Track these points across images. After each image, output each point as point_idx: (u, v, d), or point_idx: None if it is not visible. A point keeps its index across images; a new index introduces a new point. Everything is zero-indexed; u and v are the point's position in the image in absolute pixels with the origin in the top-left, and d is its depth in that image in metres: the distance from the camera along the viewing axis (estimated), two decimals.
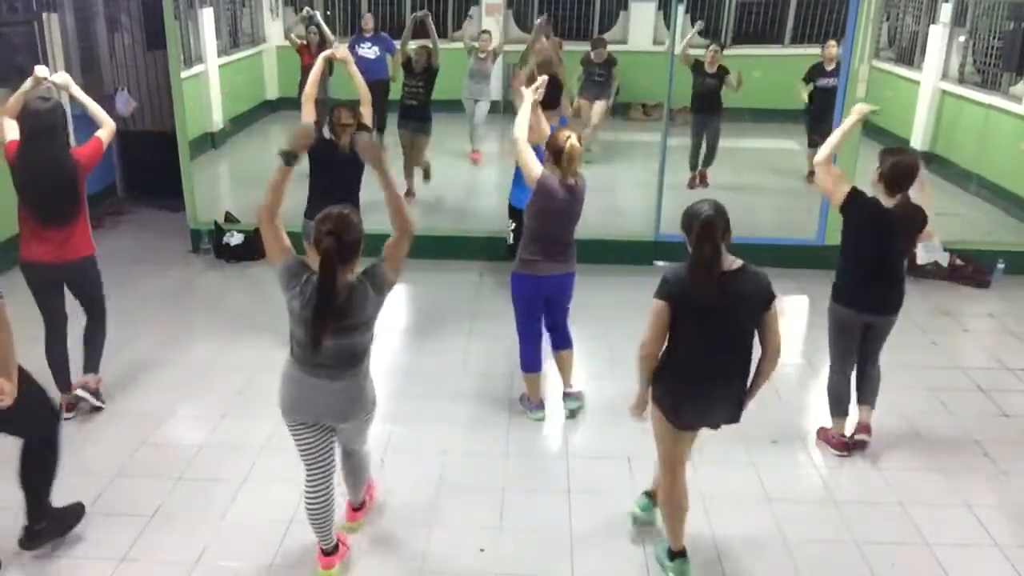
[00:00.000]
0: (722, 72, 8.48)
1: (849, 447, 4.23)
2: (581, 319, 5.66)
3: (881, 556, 3.53)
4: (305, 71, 8.55)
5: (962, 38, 9.37)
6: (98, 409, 4.49)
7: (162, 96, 8.19)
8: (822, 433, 4.34)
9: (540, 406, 4.59)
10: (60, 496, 3.52)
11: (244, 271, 6.72)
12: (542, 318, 4.49)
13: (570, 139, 4.08)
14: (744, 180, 8.79)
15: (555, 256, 4.29)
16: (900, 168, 3.86)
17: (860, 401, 4.28)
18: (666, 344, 3.14)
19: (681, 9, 8.63)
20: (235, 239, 6.92)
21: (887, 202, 3.88)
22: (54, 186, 4.14)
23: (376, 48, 8.90)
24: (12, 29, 5.86)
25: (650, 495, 3.66)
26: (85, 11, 8.04)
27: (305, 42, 8.75)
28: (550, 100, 5.42)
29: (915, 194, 3.97)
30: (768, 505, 3.83)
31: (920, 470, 4.16)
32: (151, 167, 7.91)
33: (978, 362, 5.32)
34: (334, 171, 4.79)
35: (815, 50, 11.47)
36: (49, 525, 3.42)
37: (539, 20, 7.97)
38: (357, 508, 3.62)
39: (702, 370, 3.10)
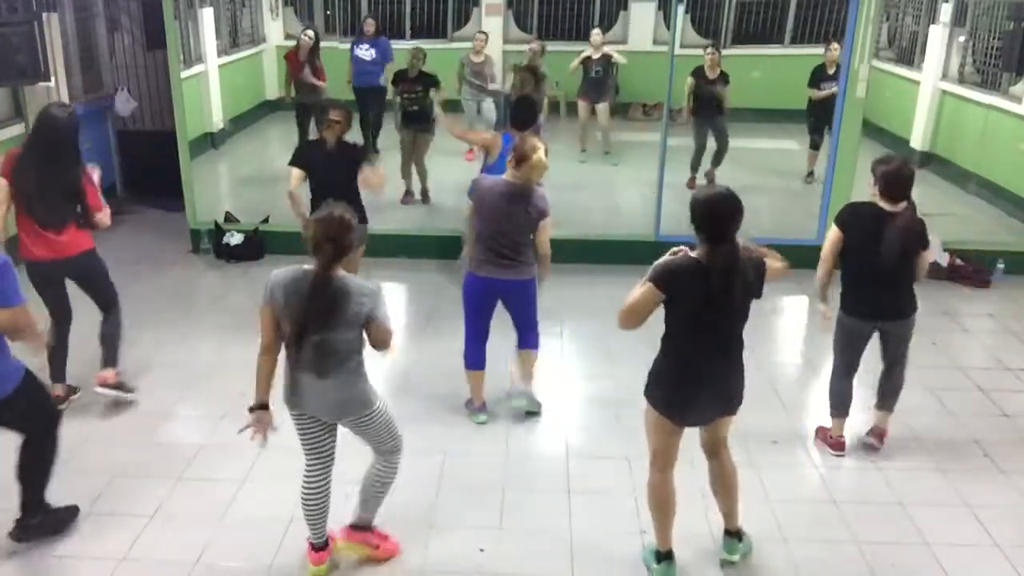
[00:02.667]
0: (724, 78, 8.44)
1: (844, 447, 4.24)
2: (580, 318, 5.67)
3: (881, 556, 3.53)
4: (294, 79, 8.54)
5: (962, 38, 9.37)
6: (126, 402, 4.58)
7: (162, 96, 8.18)
8: (820, 433, 4.34)
9: (482, 408, 4.55)
10: (62, 496, 3.52)
11: (244, 271, 6.71)
12: (487, 317, 4.44)
13: (538, 152, 4.10)
14: (744, 180, 8.77)
15: (496, 260, 4.24)
16: (892, 177, 3.87)
17: (879, 406, 4.27)
18: (665, 338, 3.17)
19: (681, 9, 8.62)
20: (235, 239, 6.92)
21: (887, 207, 3.89)
22: (60, 191, 4.20)
23: (373, 51, 8.87)
24: (12, 29, 5.84)
25: (731, 532, 3.49)
26: (85, 11, 8.04)
27: (296, 47, 8.57)
28: (523, 121, 5.39)
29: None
30: (768, 505, 3.83)
31: (920, 470, 4.16)
32: (151, 167, 7.90)
33: (978, 362, 5.32)
34: (326, 170, 4.96)
35: (815, 50, 11.50)
36: (43, 520, 3.44)
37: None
38: (357, 528, 3.42)
39: (701, 367, 3.13)
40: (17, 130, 6.51)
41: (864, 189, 6.83)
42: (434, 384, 4.87)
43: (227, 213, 7.28)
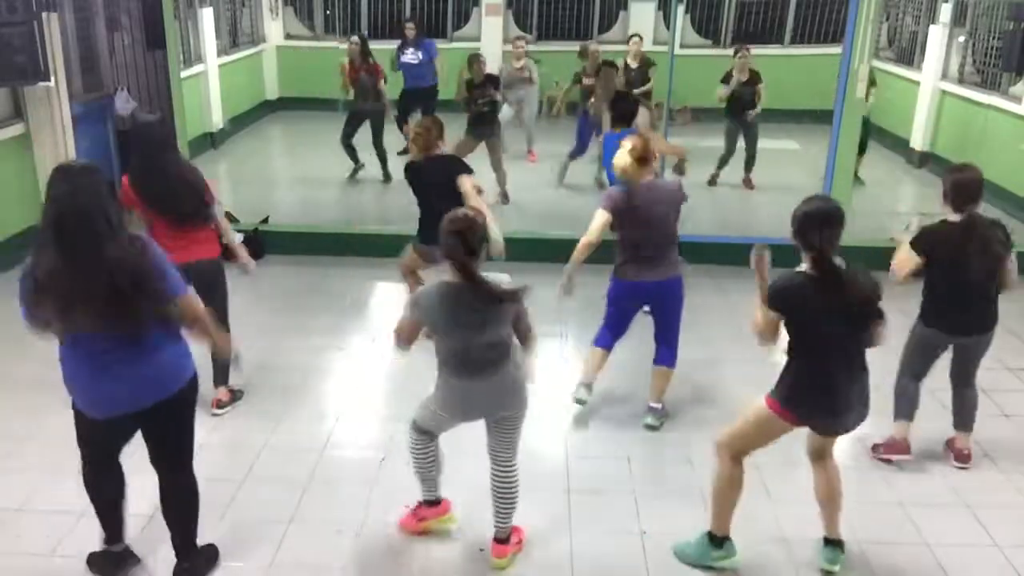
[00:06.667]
0: (754, 79, 8.45)
1: (910, 450, 4.20)
2: (582, 320, 5.65)
3: (882, 556, 3.53)
4: (353, 83, 8.61)
5: (962, 38, 9.37)
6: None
7: (162, 96, 8.18)
8: (882, 448, 4.24)
9: (583, 386, 4.55)
10: (59, 494, 3.52)
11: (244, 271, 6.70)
12: (628, 319, 4.54)
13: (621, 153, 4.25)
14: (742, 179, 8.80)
15: (643, 262, 4.33)
16: (961, 184, 3.85)
17: (956, 426, 4.24)
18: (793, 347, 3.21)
19: (681, 9, 8.61)
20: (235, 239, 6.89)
21: (954, 219, 3.86)
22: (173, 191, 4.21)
23: (420, 53, 9.05)
24: (12, 29, 5.84)
25: (832, 542, 3.45)
26: (85, 11, 8.03)
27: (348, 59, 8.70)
28: (623, 116, 5.59)
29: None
30: (769, 505, 3.83)
31: (920, 470, 4.15)
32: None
33: None
34: (423, 189, 5.00)
35: (815, 50, 11.52)
36: (200, 563, 3.32)
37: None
38: (501, 540, 3.47)
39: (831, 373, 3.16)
40: (17, 130, 6.51)
41: (865, 190, 6.86)
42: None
43: (227, 213, 7.26)
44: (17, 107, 6.56)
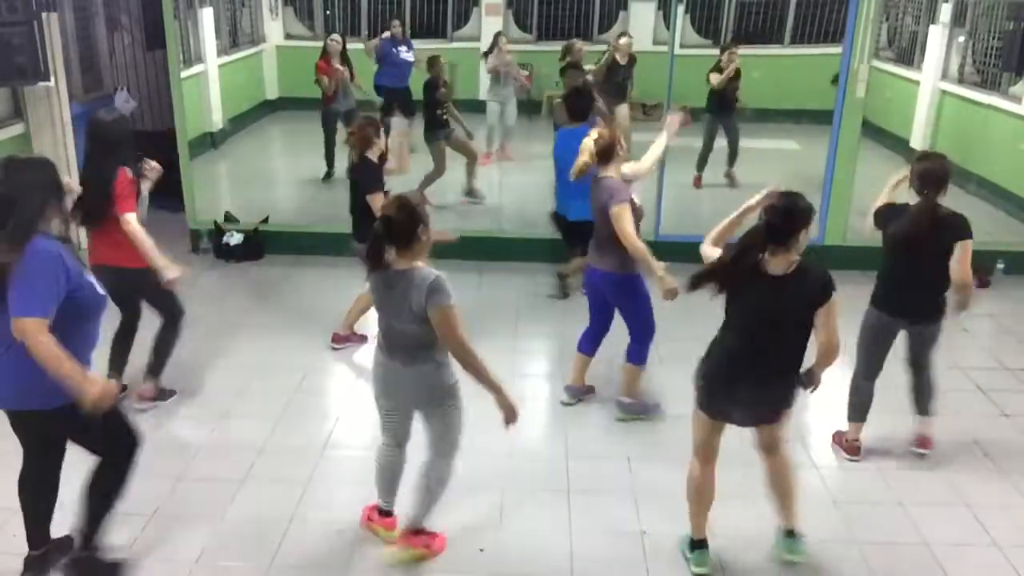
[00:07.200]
0: (737, 75, 8.51)
1: (860, 452, 4.22)
2: (581, 320, 5.66)
3: (881, 556, 3.54)
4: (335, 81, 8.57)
5: (962, 38, 9.37)
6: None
7: (162, 96, 8.19)
8: (836, 437, 4.33)
9: (569, 391, 4.72)
10: (63, 493, 3.52)
11: (244, 271, 6.72)
12: (601, 311, 4.57)
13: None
14: (744, 180, 8.78)
15: (592, 251, 4.46)
16: (925, 172, 3.86)
17: (918, 412, 4.25)
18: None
19: (681, 9, 8.58)
20: (235, 239, 6.91)
21: (919, 207, 3.88)
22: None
23: (412, 52, 9.04)
24: (12, 29, 5.85)
25: (790, 532, 3.48)
26: (85, 11, 8.05)
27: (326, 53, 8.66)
28: (579, 112, 5.66)
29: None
30: (768, 505, 3.82)
31: (920, 470, 4.16)
32: None
33: (978, 362, 5.31)
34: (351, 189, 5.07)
35: (815, 50, 11.51)
36: (88, 560, 3.30)
37: None
38: (413, 532, 3.43)
39: (740, 364, 3.19)
40: (17, 130, 6.51)
41: (865, 190, 6.83)
42: None
43: (227, 213, 7.28)
44: (17, 107, 6.56)
